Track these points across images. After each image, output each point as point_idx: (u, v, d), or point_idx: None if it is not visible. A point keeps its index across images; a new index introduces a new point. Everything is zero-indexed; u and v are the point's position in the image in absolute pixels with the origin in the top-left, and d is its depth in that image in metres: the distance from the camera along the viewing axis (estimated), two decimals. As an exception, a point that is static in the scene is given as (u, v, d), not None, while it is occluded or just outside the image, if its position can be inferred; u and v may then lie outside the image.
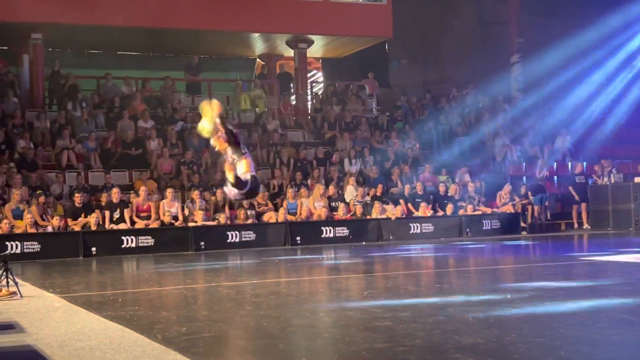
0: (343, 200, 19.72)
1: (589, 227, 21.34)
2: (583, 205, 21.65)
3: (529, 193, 21.32)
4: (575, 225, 21.71)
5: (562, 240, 18.46)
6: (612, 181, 21.37)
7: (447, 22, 28.10)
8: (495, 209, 20.55)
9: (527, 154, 24.04)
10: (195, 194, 18.32)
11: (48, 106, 22.50)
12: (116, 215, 17.48)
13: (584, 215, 21.68)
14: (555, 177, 23.68)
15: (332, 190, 19.85)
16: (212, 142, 7.71)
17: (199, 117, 8.08)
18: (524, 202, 20.93)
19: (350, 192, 20.10)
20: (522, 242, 17.89)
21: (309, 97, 26.42)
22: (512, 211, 20.53)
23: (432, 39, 28.11)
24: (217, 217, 18.26)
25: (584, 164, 23.10)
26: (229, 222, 18.11)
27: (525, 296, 7.87)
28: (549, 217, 21.95)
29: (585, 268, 11.27)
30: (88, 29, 21.83)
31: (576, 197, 21.73)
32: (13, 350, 5.49)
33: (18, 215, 16.77)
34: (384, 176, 21.24)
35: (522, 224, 20.58)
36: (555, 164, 24.00)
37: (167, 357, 4.96)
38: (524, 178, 22.81)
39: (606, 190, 21.17)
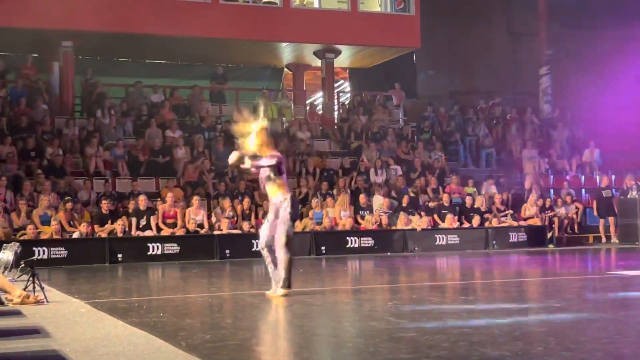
0: (371, 211, 19.68)
1: (617, 241, 21.11)
2: (611, 219, 21.44)
3: (559, 202, 21.29)
4: (603, 240, 21.48)
5: (590, 254, 18.27)
6: (640, 196, 21.14)
7: (476, 33, 28.02)
8: (521, 222, 20.41)
9: (554, 167, 23.88)
10: (226, 203, 18.38)
11: (79, 113, 22.72)
12: (142, 222, 17.57)
13: (612, 229, 21.45)
14: (583, 190, 23.48)
15: (362, 199, 19.81)
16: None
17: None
18: (550, 214, 20.77)
19: (378, 202, 20.05)
20: (549, 255, 17.73)
21: (336, 107, 26.44)
22: (539, 224, 20.39)
23: (461, 50, 28.04)
24: (242, 225, 18.27)
25: (613, 177, 22.88)
26: (252, 230, 18.12)
27: (551, 308, 7.79)
28: (576, 230, 21.73)
29: (613, 282, 11.14)
30: (118, 37, 22.04)
31: (595, 212, 21.65)
32: (39, 355, 5.53)
33: (46, 221, 16.93)
34: (410, 187, 21.17)
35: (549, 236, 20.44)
36: (582, 177, 23.81)
37: (191, 364, 4.97)
38: (551, 191, 22.64)
39: (634, 204, 20.93)
